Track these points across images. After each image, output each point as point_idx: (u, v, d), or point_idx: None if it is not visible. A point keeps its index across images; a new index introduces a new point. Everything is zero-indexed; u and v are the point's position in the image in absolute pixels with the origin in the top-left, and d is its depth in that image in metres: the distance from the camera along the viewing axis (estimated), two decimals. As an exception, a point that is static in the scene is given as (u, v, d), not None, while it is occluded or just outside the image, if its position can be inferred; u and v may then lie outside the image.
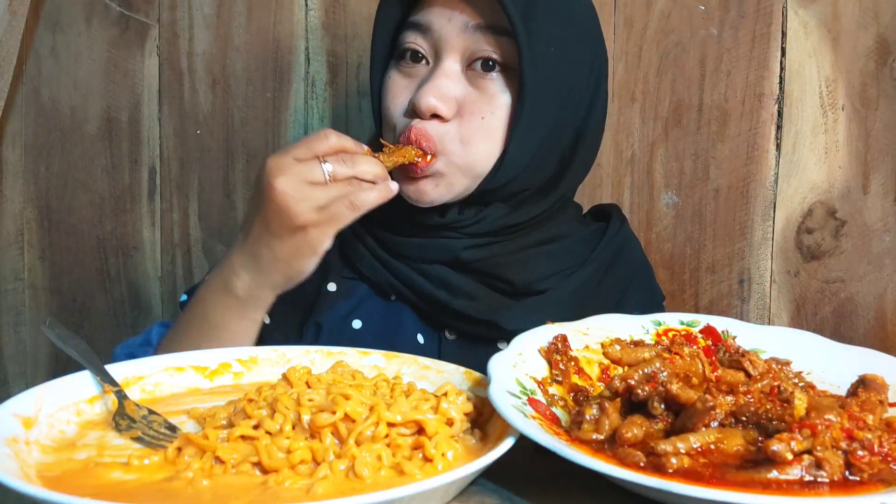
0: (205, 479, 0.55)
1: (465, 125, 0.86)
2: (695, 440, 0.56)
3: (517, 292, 0.92)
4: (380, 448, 0.57)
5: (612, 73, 1.18)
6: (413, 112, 0.86)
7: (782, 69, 1.16)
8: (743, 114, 1.18)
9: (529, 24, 0.83)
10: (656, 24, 1.18)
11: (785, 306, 1.19)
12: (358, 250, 0.94)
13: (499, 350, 0.69)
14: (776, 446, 0.52)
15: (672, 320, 0.80)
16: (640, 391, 0.62)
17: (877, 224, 1.17)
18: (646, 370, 0.64)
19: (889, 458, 0.54)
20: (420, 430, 0.60)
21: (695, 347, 0.73)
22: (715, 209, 1.19)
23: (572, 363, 0.71)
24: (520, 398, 0.62)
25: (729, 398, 0.60)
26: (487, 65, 0.86)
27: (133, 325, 1.30)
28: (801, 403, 0.56)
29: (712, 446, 0.56)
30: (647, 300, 1.01)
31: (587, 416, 0.60)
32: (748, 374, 0.68)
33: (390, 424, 0.59)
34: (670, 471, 0.53)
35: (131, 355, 0.84)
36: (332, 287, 0.94)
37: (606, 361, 0.74)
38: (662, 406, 0.61)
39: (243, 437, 0.59)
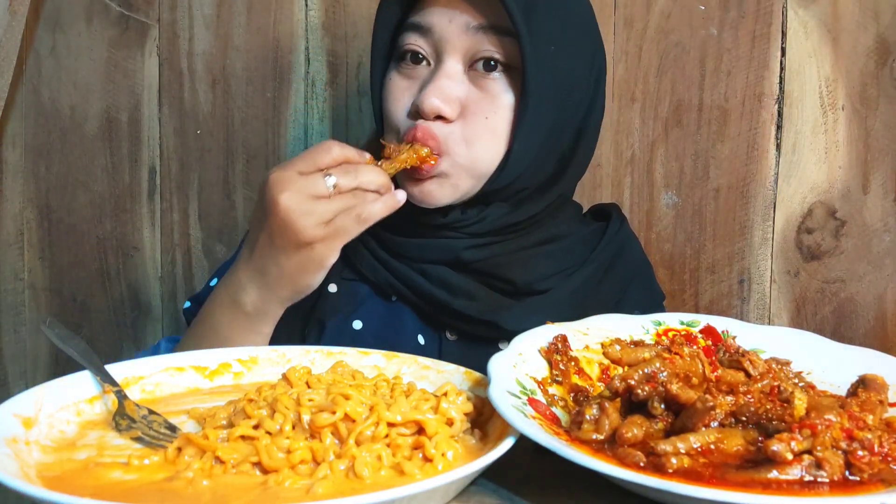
0: (205, 479, 0.55)
1: (469, 126, 0.86)
2: (695, 440, 0.56)
3: (518, 292, 0.92)
4: (380, 448, 0.57)
5: (611, 73, 1.18)
6: (416, 114, 0.86)
7: (782, 69, 1.16)
8: (743, 114, 1.18)
9: (531, 23, 0.83)
10: (656, 24, 1.18)
11: (785, 306, 1.19)
12: (358, 251, 0.94)
13: (499, 350, 0.69)
14: (776, 446, 0.52)
15: (672, 320, 0.80)
16: (640, 391, 0.62)
17: (877, 224, 1.17)
18: (646, 370, 0.64)
19: (889, 458, 0.54)
20: (420, 430, 0.60)
21: (695, 347, 0.73)
22: (715, 209, 1.19)
23: (572, 363, 0.71)
24: (520, 398, 0.62)
25: (729, 398, 0.60)
26: (489, 65, 0.86)
27: (133, 325, 1.30)
28: (801, 403, 0.56)
29: (712, 446, 0.56)
30: (647, 299, 1.01)
31: (587, 416, 0.60)
32: (748, 374, 0.68)
33: (390, 424, 0.59)
34: (670, 471, 0.53)
35: None
36: (332, 288, 0.94)
37: (606, 361, 0.74)
38: (662, 406, 0.61)
39: (243, 437, 0.59)
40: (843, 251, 1.17)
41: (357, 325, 0.93)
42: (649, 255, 1.10)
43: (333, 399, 0.61)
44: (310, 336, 0.94)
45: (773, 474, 0.52)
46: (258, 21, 1.23)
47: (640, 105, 1.19)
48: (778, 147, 1.18)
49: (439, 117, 0.85)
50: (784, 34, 1.16)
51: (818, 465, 0.53)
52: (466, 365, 0.74)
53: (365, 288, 0.95)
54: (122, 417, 0.64)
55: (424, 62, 0.88)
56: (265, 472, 0.56)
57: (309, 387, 0.66)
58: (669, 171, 1.20)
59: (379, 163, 0.83)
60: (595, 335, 0.76)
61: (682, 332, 0.78)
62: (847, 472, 0.53)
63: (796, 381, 0.72)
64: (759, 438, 0.56)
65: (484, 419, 0.66)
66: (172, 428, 0.64)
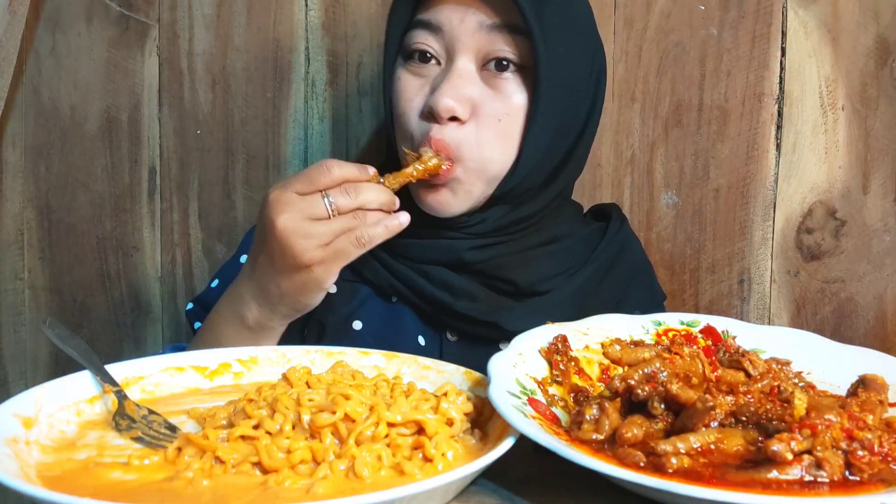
0: (205, 479, 0.55)
1: (483, 128, 0.85)
2: (695, 440, 0.56)
3: (519, 293, 0.92)
4: (380, 448, 0.57)
5: (612, 73, 1.18)
6: (429, 115, 0.85)
7: (782, 69, 1.16)
8: (743, 114, 1.18)
9: (543, 23, 0.83)
10: (656, 24, 1.18)
11: (785, 306, 1.19)
12: None
13: (500, 351, 0.69)
14: (776, 446, 0.52)
15: (672, 320, 0.80)
16: (640, 391, 0.62)
17: (877, 224, 1.17)
18: (646, 370, 0.64)
19: (889, 458, 0.54)
20: (420, 430, 0.60)
21: (695, 347, 0.73)
22: (715, 209, 1.19)
23: (572, 363, 0.71)
24: (520, 398, 0.62)
25: (729, 398, 0.60)
26: (501, 64, 0.85)
27: (133, 325, 1.30)
28: (801, 403, 0.56)
29: (712, 446, 0.56)
30: (647, 299, 1.01)
31: (587, 416, 0.61)
32: (748, 374, 0.68)
33: (390, 424, 0.59)
34: (670, 471, 0.53)
35: None
36: (332, 289, 0.94)
37: (606, 361, 0.74)
38: (662, 406, 0.61)
39: (243, 437, 0.59)
40: (843, 251, 1.17)
41: (357, 325, 0.93)
42: (649, 255, 1.10)
43: (333, 399, 0.61)
44: (310, 336, 0.94)
45: (773, 474, 0.52)
46: (258, 21, 1.23)
47: (640, 105, 1.19)
48: (778, 147, 1.18)
49: (453, 118, 0.84)
50: (784, 34, 1.16)
51: (818, 465, 0.53)
52: (467, 366, 0.74)
53: (365, 289, 0.95)
54: (122, 417, 0.64)
55: (433, 61, 0.87)
56: (265, 472, 0.56)
57: (309, 387, 0.66)
58: (669, 171, 1.20)
59: (382, 178, 0.81)
60: (595, 335, 0.76)
61: (682, 332, 0.78)
62: (847, 472, 0.53)
63: (796, 381, 0.72)
64: (759, 438, 0.56)
65: (484, 419, 0.66)
66: (172, 428, 0.64)
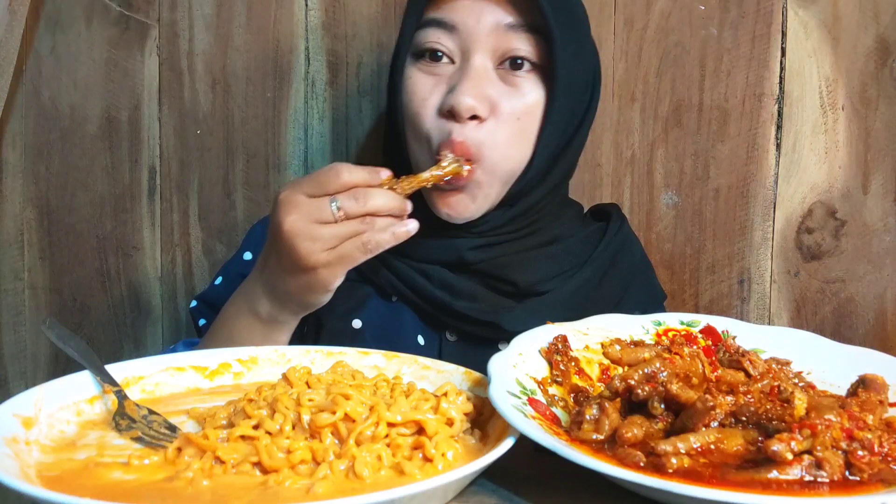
0: (205, 479, 0.55)
1: (503, 127, 0.85)
2: (695, 440, 0.56)
3: (519, 293, 0.92)
4: (380, 448, 0.57)
5: (611, 73, 1.18)
6: (448, 113, 0.84)
7: (782, 69, 1.16)
8: (743, 114, 1.18)
9: (559, 22, 0.84)
10: (656, 24, 1.18)
11: (785, 306, 1.19)
12: None
13: (499, 351, 0.69)
14: (776, 446, 0.52)
15: (672, 320, 0.80)
16: (640, 391, 0.62)
17: (877, 224, 1.17)
18: (646, 370, 0.64)
19: (889, 458, 0.54)
20: (420, 430, 0.60)
21: (695, 347, 0.73)
22: (715, 209, 1.19)
23: (573, 363, 0.71)
24: (520, 398, 0.62)
25: (729, 398, 0.60)
26: (516, 63, 0.86)
27: (133, 324, 1.30)
28: (801, 403, 0.56)
29: (712, 446, 0.56)
30: (648, 299, 1.01)
31: (587, 416, 0.60)
32: (748, 374, 0.68)
33: (390, 424, 0.59)
34: (670, 471, 0.53)
35: None
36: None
37: (606, 361, 0.74)
38: (662, 406, 0.61)
39: (243, 437, 0.59)
40: (843, 251, 1.17)
41: (357, 324, 0.93)
42: (649, 255, 1.10)
43: (333, 399, 0.61)
44: (309, 334, 0.94)
45: (773, 474, 0.52)
46: (258, 21, 1.23)
47: (640, 105, 1.19)
48: (778, 147, 1.18)
49: (473, 117, 0.84)
50: (784, 34, 1.16)
51: (818, 465, 0.53)
52: (465, 366, 0.74)
53: (366, 287, 0.95)
54: (122, 417, 0.64)
55: (444, 59, 0.87)
56: (265, 472, 0.56)
57: (309, 387, 0.66)
58: (669, 171, 1.20)
59: (397, 182, 0.79)
60: (595, 335, 0.76)
61: (682, 332, 0.78)
62: (847, 472, 0.53)
63: (796, 381, 0.72)
64: (759, 438, 0.56)
65: (484, 419, 0.66)
66: (172, 428, 0.64)
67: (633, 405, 0.63)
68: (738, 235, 1.19)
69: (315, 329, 0.93)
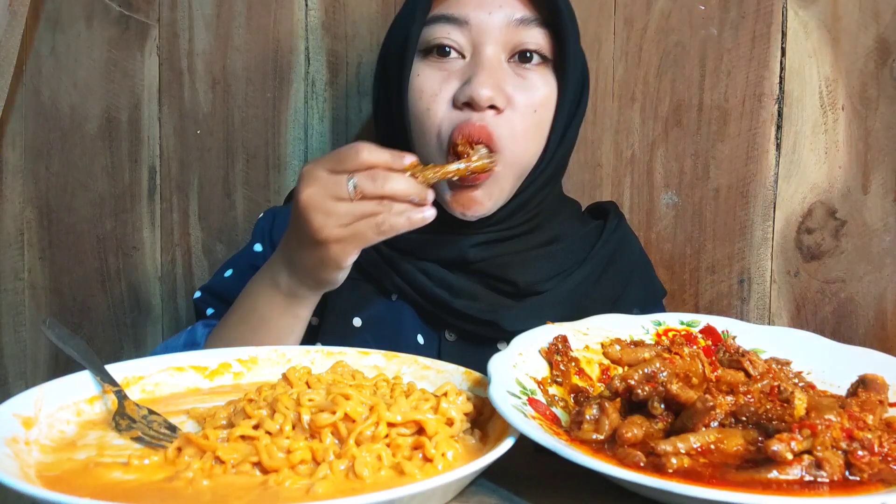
0: (205, 479, 0.55)
1: (520, 119, 0.86)
2: (695, 440, 0.56)
3: (519, 294, 0.92)
4: (380, 448, 0.57)
5: (611, 73, 1.18)
6: (465, 105, 0.84)
7: (782, 69, 1.16)
8: (743, 114, 1.18)
9: (566, 17, 0.87)
10: (656, 24, 1.18)
11: (785, 306, 1.19)
12: None
13: (498, 351, 0.69)
14: (776, 446, 0.52)
15: (672, 320, 0.80)
16: (640, 391, 0.62)
17: (877, 224, 1.16)
18: (646, 370, 0.64)
19: (889, 458, 0.54)
20: (420, 430, 0.60)
21: (695, 347, 0.73)
22: (715, 209, 1.19)
23: (573, 364, 0.71)
24: (520, 398, 0.62)
25: (729, 398, 0.60)
26: (525, 56, 0.87)
27: (133, 324, 1.30)
28: (801, 403, 0.56)
29: (712, 446, 0.56)
30: (647, 296, 1.01)
31: (587, 416, 0.60)
32: (748, 374, 0.68)
33: (390, 424, 0.59)
34: (670, 471, 0.53)
35: None
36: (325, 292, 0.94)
37: (606, 361, 0.74)
38: (662, 406, 0.61)
39: (243, 437, 0.59)
40: (843, 251, 1.17)
41: (357, 322, 0.93)
42: (649, 255, 1.10)
43: (333, 399, 0.61)
44: (309, 333, 0.94)
45: (773, 474, 0.52)
46: (258, 21, 1.23)
47: (640, 105, 1.19)
48: (778, 147, 1.18)
49: (492, 107, 0.84)
50: (784, 34, 1.16)
51: (818, 465, 0.53)
52: (464, 366, 0.74)
53: (366, 286, 0.95)
54: (122, 417, 0.64)
55: (454, 55, 0.87)
56: (265, 472, 0.56)
57: (309, 387, 0.66)
58: (669, 171, 1.20)
59: (421, 170, 0.77)
60: (595, 335, 0.76)
61: (682, 332, 0.78)
62: (847, 472, 0.53)
63: (796, 381, 0.72)
64: (759, 438, 0.56)
65: (484, 419, 0.66)
66: (172, 428, 0.64)
67: (633, 405, 0.63)
68: (738, 235, 1.19)
69: (316, 327, 0.93)
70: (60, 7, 1.25)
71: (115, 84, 1.26)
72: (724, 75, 1.17)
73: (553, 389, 0.68)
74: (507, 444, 0.57)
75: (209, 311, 0.98)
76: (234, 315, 0.87)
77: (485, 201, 0.87)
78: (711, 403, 0.57)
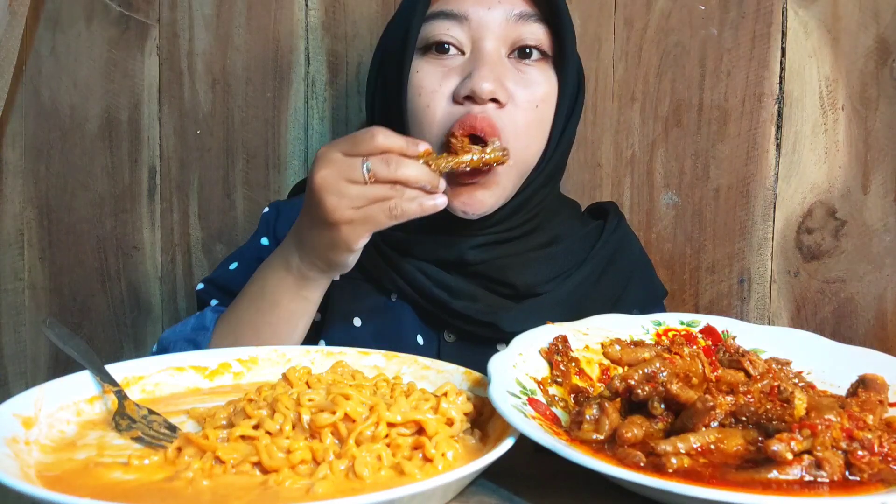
0: (205, 479, 0.55)
1: (521, 115, 0.86)
2: (695, 440, 0.56)
3: (518, 295, 0.92)
4: (380, 448, 0.57)
5: (611, 73, 1.18)
6: (466, 99, 0.84)
7: (782, 69, 1.16)
8: (743, 114, 1.18)
9: (564, 13, 0.88)
10: (656, 24, 1.18)
11: (785, 306, 1.19)
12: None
13: (497, 353, 0.69)
14: (776, 446, 0.52)
15: (672, 320, 0.80)
16: (640, 391, 0.62)
17: (877, 224, 1.16)
18: (646, 370, 0.64)
19: (889, 458, 0.54)
20: (420, 430, 0.60)
21: (695, 347, 0.73)
22: (715, 209, 1.19)
23: (573, 364, 0.71)
24: (520, 398, 0.62)
25: (729, 398, 0.60)
26: (525, 52, 0.87)
27: (133, 324, 1.30)
28: (801, 403, 0.56)
29: (712, 446, 0.56)
30: (647, 296, 1.01)
31: (587, 416, 0.60)
32: (748, 374, 0.68)
33: (390, 424, 0.59)
34: (670, 471, 0.53)
35: (191, 341, 0.86)
36: (335, 277, 0.94)
37: (606, 361, 0.73)
38: (662, 406, 0.61)
39: (243, 437, 0.59)
40: (843, 251, 1.17)
41: (357, 321, 0.93)
42: (649, 255, 1.10)
43: (333, 399, 0.60)
44: (309, 332, 0.93)
45: (773, 474, 0.52)
46: (258, 21, 1.23)
47: (640, 105, 1.19)
48: (778, 147, 1.18)
49: (493, 101, 0.84)
50: (784, 34, 1.16)
51: (818, 465, 0.53)
52: (464, 367, 0.74)
53: (366, 285, 0.95)
54: (122, 417, 0.64)
55: (453, 51, 0.87)
56: (265, 472, 0.56)
57: (309, 387, 0.66)
58: (669, 171, 1.20)
59: (434, 158, 0.78)
60: (595, 335, 0.76)
61: (682, 332, 0.78)
62: (847, 472, 0.53)
63: (796, 381, 0.72)
64: (759, 438, 0.56)
65: (484, 419, 0.66)
66: (172, 428, 0.64)
67: (633, 405, 0.63)
68: (738, 235, 1.19)
69: (316, 326, 0.93)
70: (60, 7, 1.25)
71: (115, 84, 1.26)
72: (724, 75, 1.17)
73: (553, 389, 0.68)
74: (507, 444, 0.57)
75: (213, 303, 0.98)
76: (245, 298, 0.87)
77: (486, 199, 0.87)
78: (711, 403, 0.57)
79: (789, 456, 0.52)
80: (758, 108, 1.17)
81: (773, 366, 0.71)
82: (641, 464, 0.55)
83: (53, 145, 1.28)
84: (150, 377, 0.72)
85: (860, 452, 0.53)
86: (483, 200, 0.86)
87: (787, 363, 0.74)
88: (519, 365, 0.68)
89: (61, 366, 1.31)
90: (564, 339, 0.73)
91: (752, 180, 1.18)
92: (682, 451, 0.55)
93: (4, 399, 0.61)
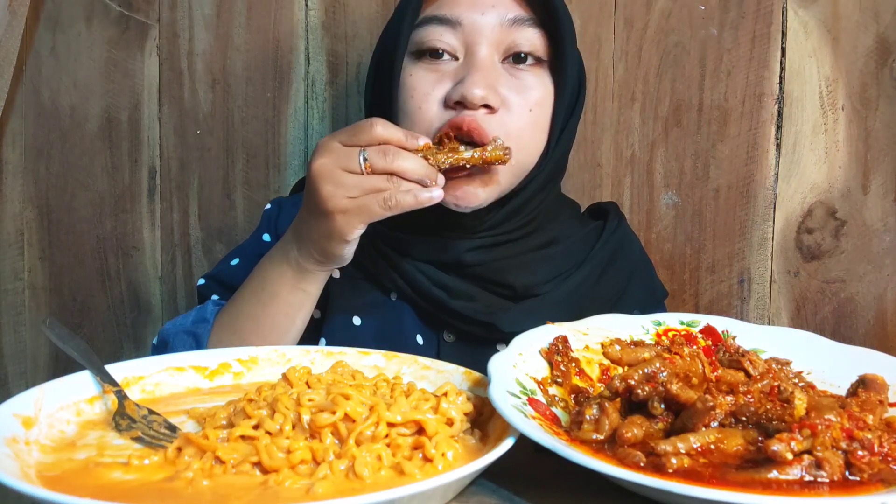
0: (205, 479, 0.55)
1: (514, 119, 0.86)
2: (695, 440, 0.56)
3: (516, 296, 0.92)
4: (380, 448, 0.57)
5: (611, 73, 1.18)
6: (457, 104, 0.84)
7: (782, 69, 1.16)
8: (743, 114, 1.18)
9: (563, 15, 0.87)
10: (656, 24, 1.18)
11: (785, 306, 1.19)
12: (361, 245, 0.93)
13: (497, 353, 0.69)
14: (776, 446, 0.52)
15: (672, 320, 0.80)
16: (640, 391, 0.62)
17: (877, 224, 1.16)
18: (646, 370, 0.64)
19: (889, 458, 0.54)
20: (420, 430, 0.60)
21: (695, 347, 0.73)
22: (715, 209, 1.19)
23: (573, 364, 0.71)
24: (520, 398, 0.62)
25: (729, 398, 0.60)
26: (519, 57, 0.87)
27: (133, 324, 1.30)
28: (801, 403, 0.56)
29: (712, 446, 0.56)
30: (647, 296, 1.01)
31: (587, 416, 0.60)
32: (748, 374, 0.68)
33: (390, 424, 0.59)
34: (670, 471, 0.53)
35: (192, 333, 0.86)
36: (336, 274, 0.94)
37: (606, 362, 0.73)
38: (662, 406, 0.61)
39: (243, 437, 0.59)
40: (843, 251, 1.17)
41: (356, 321, 0.93)
42: (649, 255, 1.10)
43: (333, 399, 0.60)
44: (309, 331, 0.93)
45: (773, 474, 0.52)
46: (258, 21, 1.23)
47: (640, 105, 1.19)
48: (778, 147, 1.18)
49: (485, 106, 0.84)
50: (784, 34, 1.16)
51: (818, 465, 0.53)
52: (464, 367, 0.74)
53: (366, 285, 0.95)
54: (122, 417, 0.64)
55: (446, 57, 0.87)
56: (265, 472, 0.56)
57: (309, 387, 0.66)
58: (669, 171, 1.20)
59: (434, 152, 0.78)
60: (595, 335, 0.76)
61: (682, 332, 0.78)
62: (847, 472, 0.53)
63: (796, 381, 0.72)
64: (759, 438, 0.56)
65: (484, 419, 0.66)
66: (172, 428, 0.64)
67: (633, 405, 0.63)
68: (738, 235, 1.19)
69: (316, 325, 0.93)
70: (60, 7, 1.25)
71: (115, 84, 1.26)
72: (724, 75, 1.17)
73: (553, 389, 0.68)
74: (507, 444, 0.57)
75: (214, 298, 0.98)
76: (246, 290, 0.88)
77: (479, 193, 0.86)
78: (711, 403, 0.57)
79: (789, 456, 0.52)
80: (758, 108, 1.17)
81: (773, 366, 0.71)
82: (641, 464, 0.55)
83: (53, 145, 1.28)
84: (150, 377, 0.72)
85: (860, 452, 0.53)
86: (476, 194, 0.86)
87: (787, 363, 0.74)
88: (519, 365, 0.68)
89: (61, 366, 1.31)
90: (564, 340, 0.73)
91: (752, 180, 1.18)
92: (682, 451, 0.55)
93: (4, 399, 0.61)
